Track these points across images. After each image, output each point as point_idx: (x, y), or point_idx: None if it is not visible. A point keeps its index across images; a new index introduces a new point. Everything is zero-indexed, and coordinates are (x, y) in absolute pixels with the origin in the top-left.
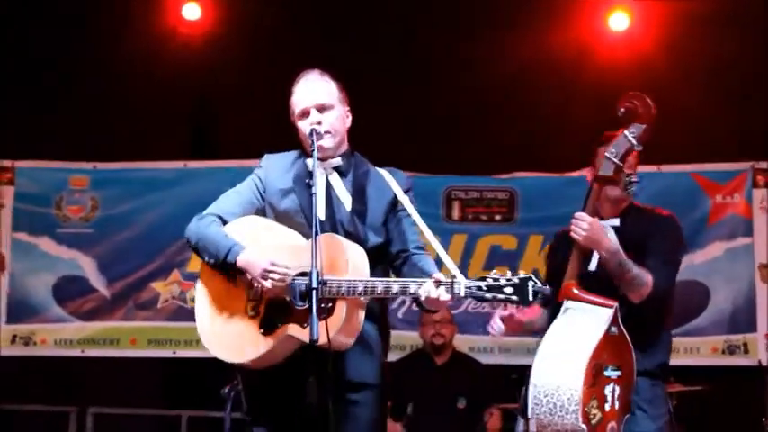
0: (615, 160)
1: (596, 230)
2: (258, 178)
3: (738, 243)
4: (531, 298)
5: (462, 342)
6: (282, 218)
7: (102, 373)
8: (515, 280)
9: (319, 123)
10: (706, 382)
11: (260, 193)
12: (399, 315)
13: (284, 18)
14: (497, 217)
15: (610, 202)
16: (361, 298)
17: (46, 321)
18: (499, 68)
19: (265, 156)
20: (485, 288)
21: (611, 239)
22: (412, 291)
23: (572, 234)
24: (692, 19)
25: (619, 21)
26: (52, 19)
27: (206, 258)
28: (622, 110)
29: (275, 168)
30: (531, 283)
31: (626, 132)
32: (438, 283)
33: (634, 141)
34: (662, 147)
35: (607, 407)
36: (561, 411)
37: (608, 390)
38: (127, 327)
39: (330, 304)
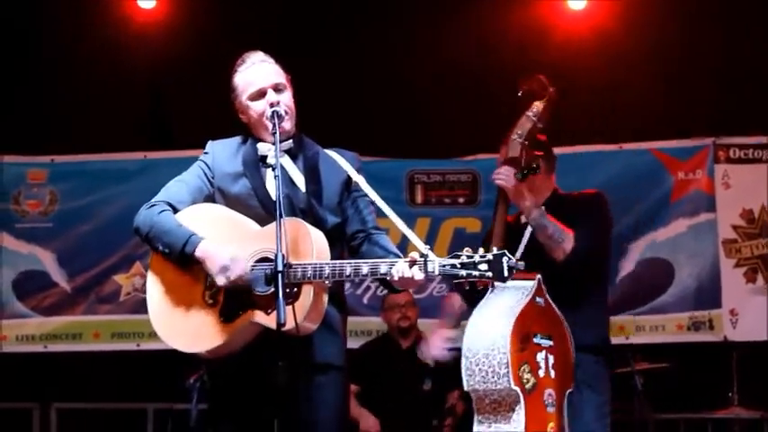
0: (521, 141)
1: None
2: (205, 164)
3: (702, 219)
4: (506, 274)
5: (427, 326)
6: (234, 202)
7: (66, 367)
8: (489, 256)
9: (278, 103)
10: (672, 358)
11: (208, 180)
12: (365, 301)
13: (240, 6)
14: (461, 199)
15: (534, 193)
16: (327, 282)
17: (7, 317)
18: (460, 49)
19: (209, 143)
20: (458, 265)
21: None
22: (383, 271)
23: (498, 182)
24: None
25: None
26: (5, 12)
27: (160, 248)
28: (521, 93)
29: (222, 153)
30: (505, 259)
31: (527, 113)
32: (412, 263)
33: (535, 120)
34: (622, 124)
35: (541, 373)
36: (494, 377)
37: (540, 357)
38: (89, 321)
39: (295, 289)
